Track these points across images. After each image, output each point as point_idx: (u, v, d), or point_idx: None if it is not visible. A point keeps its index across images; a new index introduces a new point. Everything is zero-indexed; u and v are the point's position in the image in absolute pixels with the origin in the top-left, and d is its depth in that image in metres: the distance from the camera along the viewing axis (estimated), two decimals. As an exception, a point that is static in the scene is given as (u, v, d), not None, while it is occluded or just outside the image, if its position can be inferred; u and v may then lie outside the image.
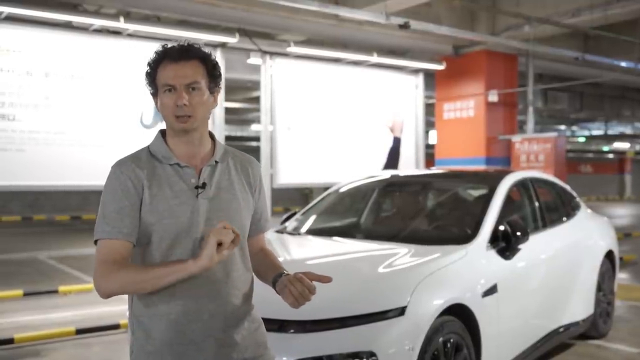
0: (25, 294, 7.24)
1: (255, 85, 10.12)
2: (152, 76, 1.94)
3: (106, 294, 1.85)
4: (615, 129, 26.01)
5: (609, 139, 28.51)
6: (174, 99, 1.88)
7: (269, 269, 2.09)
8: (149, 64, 1.95)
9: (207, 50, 1.99)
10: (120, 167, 1.91)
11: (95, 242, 1.89)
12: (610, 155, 36.65)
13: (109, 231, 1.85)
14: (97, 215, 1.91)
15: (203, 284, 1.91)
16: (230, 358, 1.95)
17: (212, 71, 1.95)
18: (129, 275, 1.81)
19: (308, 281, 1.93)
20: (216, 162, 2.00)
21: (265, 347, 2.08)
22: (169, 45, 1.96)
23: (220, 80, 2.00)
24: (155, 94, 1.96)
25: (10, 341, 5.41)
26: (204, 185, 1.94)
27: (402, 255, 3.91)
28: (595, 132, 26.83)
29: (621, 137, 28.34)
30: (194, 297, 1.89)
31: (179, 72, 1.88)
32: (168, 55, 1.91)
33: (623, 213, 22.74)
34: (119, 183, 1.88)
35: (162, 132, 2.01)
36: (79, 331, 5.71)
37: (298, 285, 1.92)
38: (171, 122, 1.92)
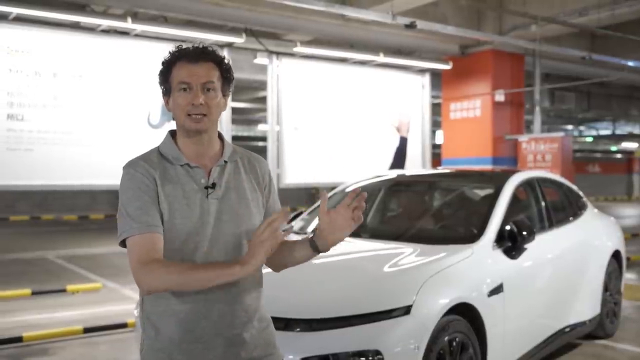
0: (34, 293, 7.28)
1: (262, 85, 10.15)
2: (165, 75, 1.95)
3: (149, 291, 1.86)
4: (623, 128, 25.94)
5: (616, 138, 28.40)
6: (188, 99, 1.90)
7: (295, 246, 2.05)
8: (163, 63, 1.96)
9: (220, 53, 2.01)
10: (134, 167, 1.93)
11: (122, 242, 1.89)
12: (618, 155, 36.50)
13: (138, 227, 1.85)
14: (119, 216, 1.90)
15: None
16: (239, 356, 1.96)
17: (225, 74, 1.98)
18: (174, 276, 1.80)
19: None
20: (225, 162, 2.01)
21: (274, 347, 2.09)
22: (184, 46, 1.97)
23: (232, 84, 2.02)
24: (166, 94, 1.97)
25: (19, 339, 5.45)
26: (213, 186, 1.95)
27: (407, 254, 3.92)
28: (603, 132, 26.75)
29: (629, 136, 28.23)
30: (204, 296, 1.90)
31: (196, 71, 1.90)
32: (185, 56, 1.92)
33: (631, 213, 22.64)
34: (136, 181, 1.90)
35: (172, 133, 2.03)
36: (87, 330, 5.75)
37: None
38: (184, 122, 1.93)
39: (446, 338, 3.37)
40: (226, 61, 2.00)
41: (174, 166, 1.95)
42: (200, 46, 1.96)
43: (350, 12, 8.03)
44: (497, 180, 4.81)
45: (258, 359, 2.01)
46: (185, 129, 1.94)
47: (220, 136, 2.05)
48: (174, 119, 1.98)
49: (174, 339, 1.92)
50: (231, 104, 8.54)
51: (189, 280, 1.81)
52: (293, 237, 4.71)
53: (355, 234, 4.77)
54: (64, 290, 7.48)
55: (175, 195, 1.91)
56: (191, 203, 1.92)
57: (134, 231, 1.85)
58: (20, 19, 6.67)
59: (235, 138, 19.96)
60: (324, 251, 2.02)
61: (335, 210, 1.96)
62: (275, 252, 1.91)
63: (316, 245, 2.00)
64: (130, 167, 1.93)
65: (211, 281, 1.82)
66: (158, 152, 1.99)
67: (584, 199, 5.86)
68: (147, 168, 1.92)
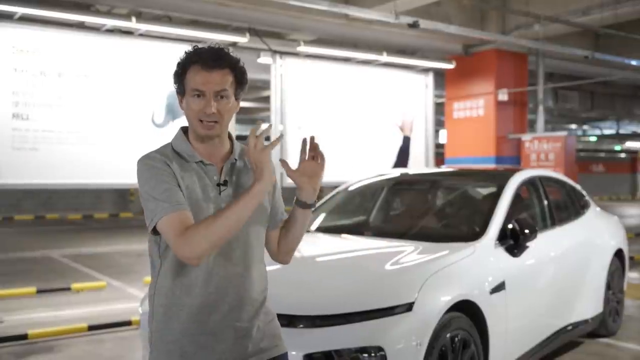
0: (39, 291, 7.31)
1: (266, 85, 10.17)
2: (179, 76, 1.97)
3: (198, 258, 1.84)
4: (626, 128, 25.90)
5: (620, 138, 28.37)
6: (201, 105, 1.92)
7: (289, 218, 2.16)
8: (178, 64, 1.98)
9: (235, 55, 2.00)
10: (151, 159, 1.95)
11: (153, 230, 1.90)
12: (622, 155, 36.43)
13: (168, 207, 1.86)
14: (146, 203, 1.90)
15: (224, 277, 1.96)
16: (247, 348, 2.01)
17: (240, 78, 2.00)
18: (211, 228, 1.82)
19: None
20: (235, 160, 2.05)
21: (279, 339, 2.14)
22: (199, 46, 1.98)
23: (246, 87, 2.04)
24: (180, 93, 1.99)
25: (24, 337, 5.48)
26: (225, 183, 2.00)
27: (410, 252, 3.94)
28: (607, 131, 26.71)
29: (633, 136, 28.19)
30: (214, 289, 1.94)
31: (210, 79, 1.92)
32: (199, 60, 1.93)
33: (635, 212, 22.60)
34: (157, 169, 1.92)
35: (183, 130, 2.05)
36: (92, 327, 5.78)
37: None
38: (196, 126, 1.96)
39: (448, 335, 3.39)
40: (240, 64, 2.00)
41: (188, 163, 1.99)
42: (216, 48, 1.96)
43: (354, 11, 8.05)
44: (499, 179, 4.82)
45: (264, 350, 2.06)
46: (197, 133, 1.98)
47: (230, 136, 2.09)
48: (186, 119, 2.01)
49: (185, 331, 1.96)
50: (235, 103, 8.57)
51: (225, 223, 1.83)
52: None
53: (359, 232, 4.80)
54: (68, 289, 7.52)
55: (193, 189, 1.95)
56: (206, 198, 1.96)
57: (167, 210, 1.86)
58: (25, 19, 6.72)
59: (239, 137, 19.93)
60: (311, 201, 2.08)
61: (301, 165, 2.06)
62: (280, 236, 2.15)
63: (301, 201, 2.08)
64: (147, 159, 1.95)
65: (244, 211, 1.85)
66: (172, 148, 2.02)
67: (587, 197, 5.87)
68: (164, 160, 1.95)
